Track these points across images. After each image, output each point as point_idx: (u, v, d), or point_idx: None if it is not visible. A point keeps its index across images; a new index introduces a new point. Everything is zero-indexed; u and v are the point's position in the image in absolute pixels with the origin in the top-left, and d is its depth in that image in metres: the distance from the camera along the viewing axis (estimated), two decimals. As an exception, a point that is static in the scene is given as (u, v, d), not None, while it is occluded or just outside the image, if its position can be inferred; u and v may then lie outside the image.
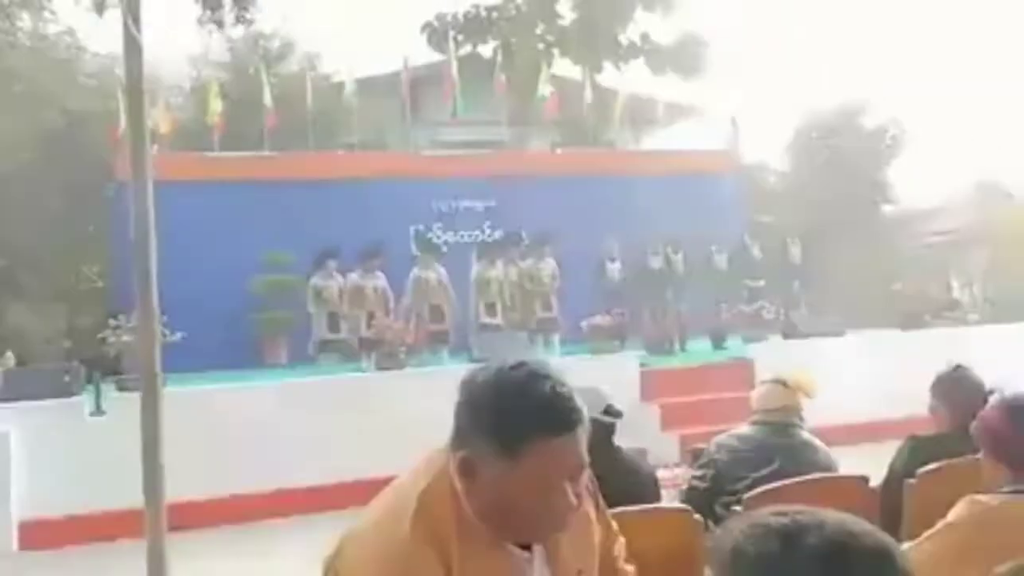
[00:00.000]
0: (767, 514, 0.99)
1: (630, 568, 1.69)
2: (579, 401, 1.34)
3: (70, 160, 14.72)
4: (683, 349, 10.84)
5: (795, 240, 11.97)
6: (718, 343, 10.59)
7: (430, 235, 12.84)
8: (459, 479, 1.34)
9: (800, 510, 0.98)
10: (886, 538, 0.95)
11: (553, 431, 1.31)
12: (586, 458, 1.37)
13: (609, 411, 2.61)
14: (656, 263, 11.02)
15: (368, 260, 10.03)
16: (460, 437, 1.35)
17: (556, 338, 10.44)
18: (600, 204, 12.81)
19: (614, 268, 11.02)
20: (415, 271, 10.12)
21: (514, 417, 1.30)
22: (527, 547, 1.40)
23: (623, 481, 2.41)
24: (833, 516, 0.96)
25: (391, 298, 10.00)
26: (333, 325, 10.10)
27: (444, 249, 10.81)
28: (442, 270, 10.19)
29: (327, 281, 10.18)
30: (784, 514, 0.97)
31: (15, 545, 6.40)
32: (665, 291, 10.95)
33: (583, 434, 1.34)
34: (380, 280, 10.04)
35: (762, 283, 11.30)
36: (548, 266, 10.69)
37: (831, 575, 0.89)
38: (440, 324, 9.90)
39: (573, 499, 1.35)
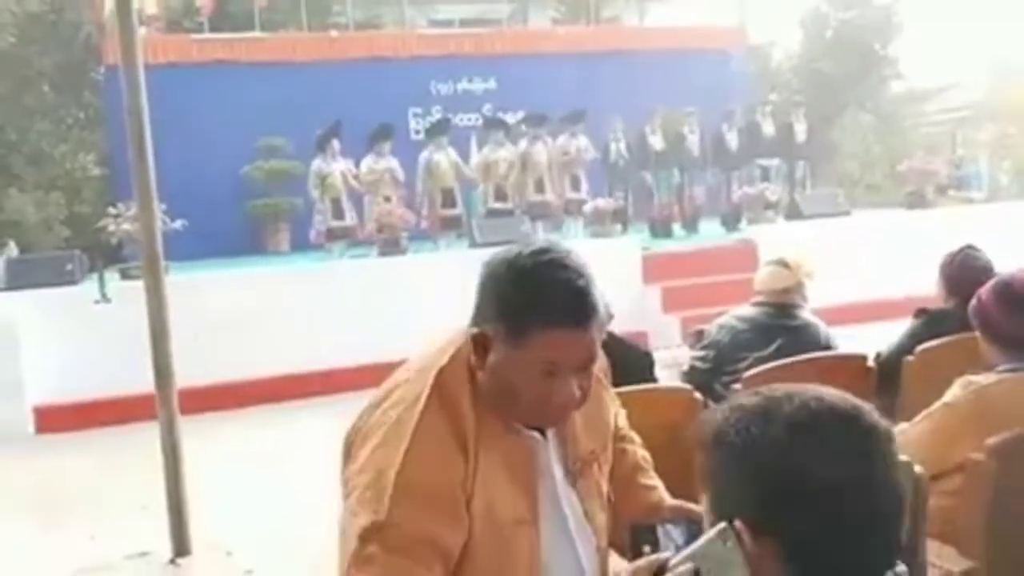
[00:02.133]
0: (743, 396, 1.02)
1: (633, 434, 1.73)
2: (595, 295, 1.31)
3: (56, 44, 14.29)
4: (694, 230, 10.78)
5: (800, 118, 11.44)
6: (731, 225, 10.55)
7: (436, 117, 12.36)
8: (473, 355, 1.34)
9: (775, 388, 1.01)
10: (855, 400, 0.98)
11: (560, 324, 1.29)
12: (597, 351, 1.35)
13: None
14: (658, 143, 10.72)
15: (379, 142, 9.57)
16: (477, 315, 1.35)
17: (581, 221, 9.90)
18: (604, 83, 12.48)
19: (620, 148, 10.73)
20: (425, 154, 9.70)
21: (523, 304, 1.29)
22: (541, 430, 1.42)
23: (620, 364, 2.44)
24: (806, 388, 0.99)
25: (402, 182, 9.64)
26: (338, 212, 9.64)
27: (450, 128, 10.33)
28: (453, 152, 9.79)
29: (331, 165, 9.64)
30: (758, 394, 1.01)
31: (31, 428, 6.59)
32: (671, 171, 10.71)
33: (596, 329, 1.32)
34: (393, 162, 9.59)
35: (776, 162, 10.95)
36: (581, 143, 10.26)
37: (802, 441, 0.93)
38: (453, 209, 9.57)
39: (576, 391, 1.34)
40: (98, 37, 12.74)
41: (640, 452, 1.71)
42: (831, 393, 0.99)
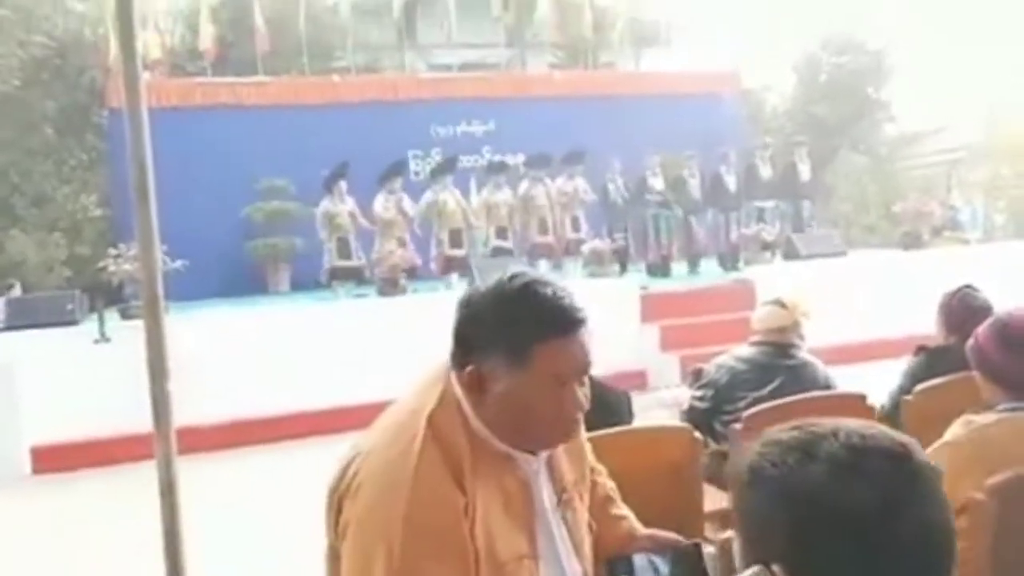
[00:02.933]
0: (779, 431, 0.96)
1: (600, 466, 1.75)
2: (580, 302, 1.37)
3: (61, 87, 14.46)
4: (695, 271, 10.81)
5: (803, 157, 11.45)
6: (729, 265, 10.61)
7: (436, 159, 12.43)
8: (467, 394, 1.36)
9: (813, 422, 0.95)
10: (904, 438, 0.92)
11: (560, 332, 1.34)
12: (593, 354, 1.39)
13: None
14: (659, 184, 10.82)
15: (390, 180, 9.52)
16: (464, 353, 1.37)
17: (580, 260, 9.82)
18: (601, 126, 12.64)
19: (619, 189, 10.81)
20: (429, 194, 9.66)
21: (521, 323, 1.33)
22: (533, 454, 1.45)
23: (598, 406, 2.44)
24: (847, 423, 0.93)
25: (412, 221, 9.57)
26: (344, 251, 9.57)
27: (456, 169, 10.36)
28: (458, 193, 9.79)
29: (338, 205, 9.58)
30: (797, 427, 0.95)
31: (28, 468, 6.55)
32: (671, 212, 10.77)
33: (588, 335, 1.37)
34: (404, 202, 9.55)
35: (771, 203, 11.02)
36: (580, 184, 10.39)
37: (845, 479, 0.87)
38: (459, 249, 9.48)
39: (584, 400, 1.38)
40: (102, 80, 12.90)
41: (609, 484, 1.73)
42: (877, 429, 0.93)
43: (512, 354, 1.33)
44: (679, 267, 10.90)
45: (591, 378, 1.41)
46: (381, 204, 9.49)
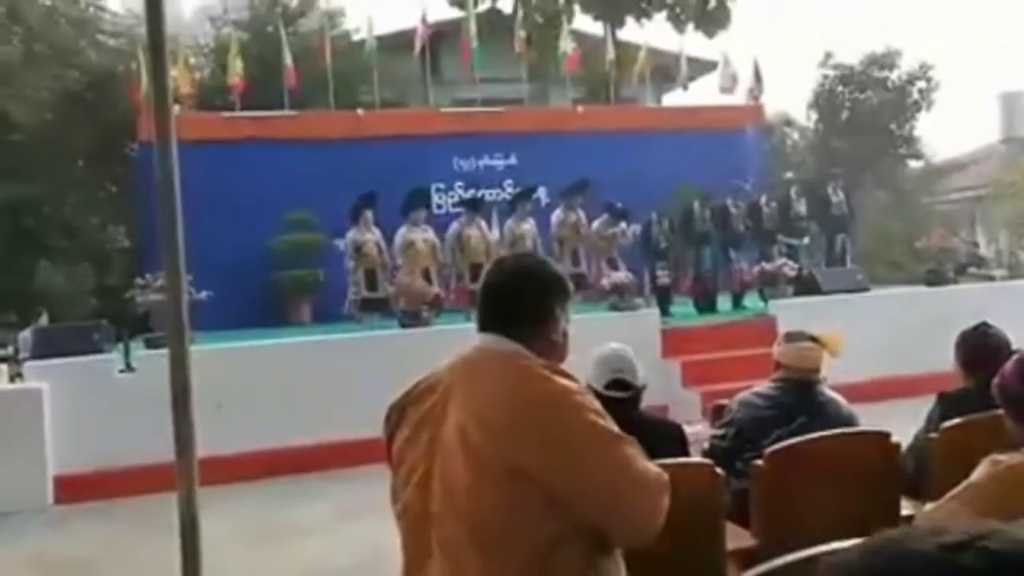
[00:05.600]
0: (882, 538, 0.71)
1: None
2: None
3: (92, 120, 14.79)
4: (740, 304, 10.64)
5: (837, 191, 11.14)
6: (741, 302, 10.53)
7: (458, 192, 12.51)
8: (545, 339, 1.75)
9: (938, 525, 0.68)
10: None
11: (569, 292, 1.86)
12: None
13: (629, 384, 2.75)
14: (705, 218, 10.65)
15: (414, 210, 9.50)
16: (527, 320, 1.74)
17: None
18: (623, 161, 12.70)
19: (663, 226, 10.70)
20: (456, 227, 9.73)
21: (565, 284, 1.84)
22: None
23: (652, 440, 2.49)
24: (990, 525, 0.70)
25: (440, 251, 9.55)
26: (371, 283, 9.59)
27: (484, 205, 10.36)
28: (484, 225, 9.81)
29: (365, 235, 9.60)
30: (919, 532, 0.70)
31: (51, 499, 6.59)
32: (701, 248, 10.65)
33: None
34: (428, 233, 9.56)
35: (806, 241, 10.82)
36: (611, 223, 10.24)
37: None
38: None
39: None
40: (133, 114, 13.17)
41: None
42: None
43: (564, 304, 1.88)
44: (724, 302, 10.74)
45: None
46: (402, 236, 9.49)
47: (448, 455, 1.59)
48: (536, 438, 1.55)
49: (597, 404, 1.65)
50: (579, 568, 1.56)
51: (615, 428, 1.63)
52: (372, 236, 9.65)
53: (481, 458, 1.54)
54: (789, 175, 15.56)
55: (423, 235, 9.50)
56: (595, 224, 10.34)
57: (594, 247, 10.32)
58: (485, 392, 1.62)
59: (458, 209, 11.33)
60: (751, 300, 10.67)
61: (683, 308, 10.04)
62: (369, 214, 9.71)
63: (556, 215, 10.30)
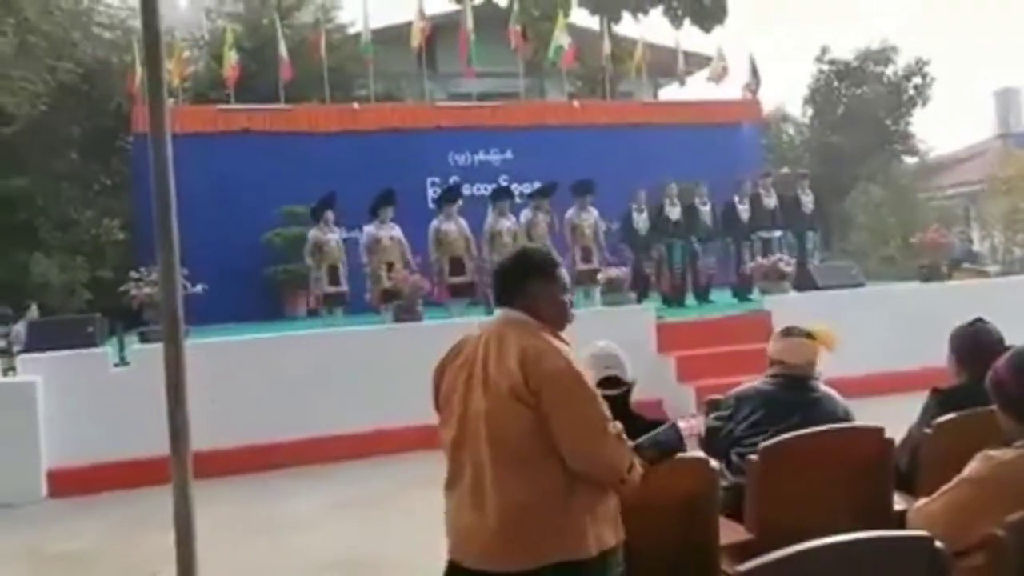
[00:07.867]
0: None
1: None
2: None
3: (87, 113, 14.72)
4: (706, 300, 10.76)
5: (805, 189, 11.38)
6: (743, 295, 10.56)
7: (450, 184, 12.52)
8: (540, 306, 2.19)
9: None
10: None
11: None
12: None
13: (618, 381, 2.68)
14: (674, 214, 10.77)
15: (381, 209, 9.81)
16: (521, 293, 2.20)
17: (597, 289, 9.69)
18: (619, 156, 12.69)
19: (641, 219, 10.79)
20: (434, 223, 9.92)
21: (532, 267, 2.25)
22: None
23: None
24: None
25: (407, 249, 9.79)
26: (333, 278, 10.12)
27: (461, 200, 10.44)
28: (463, 222, 9.96)
29: (326, 234, 10.15)
30: None
31: (44, 492, 6.57)
32: (686, 241, 10.71)
33: None
34: (395, 230, 9.86)
35: (777, 234, 10.96)
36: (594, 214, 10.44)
37: None
38: (463, 276, 9.74)
39: None
40: (128, 107, 13.11)
41: None
42: None
43: (547, 275, 2.28)
44: (691, 297, 10.84)
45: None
46: (368, 233, 9.84)
47: (475, 395, 2.11)
48: (534, 371, 2.04)
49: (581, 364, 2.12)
50: (563, 479, 2.01)
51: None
52: (333, 235, 10.24)
53: (497, 388, 2.06)
54: (785, 170, 15.55)
55: (389, 232, 9.82)
56: (567, 213, 10.40)
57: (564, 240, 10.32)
58: (500, 346, 2.12)
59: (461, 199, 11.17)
60: (722, 296, 10.74)
61: (655, 303, 10.05)
62: (329, 214, 10.21)
63: (524, 214, 10.33)
